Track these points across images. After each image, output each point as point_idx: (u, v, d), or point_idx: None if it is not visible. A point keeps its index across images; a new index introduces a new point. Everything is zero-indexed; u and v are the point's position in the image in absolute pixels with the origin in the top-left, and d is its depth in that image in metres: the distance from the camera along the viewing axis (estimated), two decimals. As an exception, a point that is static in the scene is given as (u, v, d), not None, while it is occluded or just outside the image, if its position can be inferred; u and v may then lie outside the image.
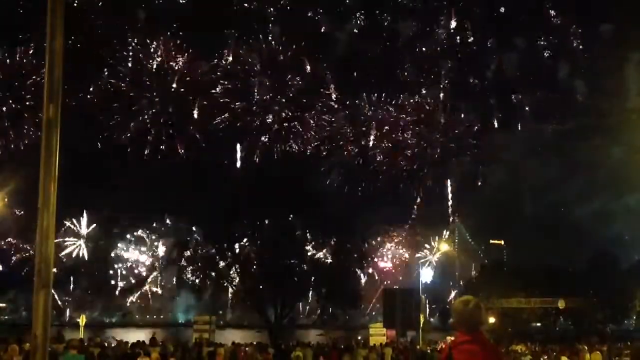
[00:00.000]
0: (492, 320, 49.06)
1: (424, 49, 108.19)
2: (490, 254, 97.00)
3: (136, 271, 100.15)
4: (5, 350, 18.03)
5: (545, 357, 29.06)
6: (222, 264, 43.98)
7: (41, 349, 3.55)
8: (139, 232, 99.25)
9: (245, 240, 43.77)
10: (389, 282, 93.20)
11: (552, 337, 55.48)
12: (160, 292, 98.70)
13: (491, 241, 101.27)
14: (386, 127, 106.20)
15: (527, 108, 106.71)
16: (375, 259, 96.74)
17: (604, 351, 30.79)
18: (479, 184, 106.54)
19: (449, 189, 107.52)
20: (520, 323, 59.55)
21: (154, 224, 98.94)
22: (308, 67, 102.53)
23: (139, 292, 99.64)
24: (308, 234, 44.46)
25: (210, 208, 46.73)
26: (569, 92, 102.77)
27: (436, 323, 71.60)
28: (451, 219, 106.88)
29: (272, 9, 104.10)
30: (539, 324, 60.24)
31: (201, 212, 49.74)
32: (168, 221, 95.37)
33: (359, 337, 49.69)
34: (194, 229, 54.08)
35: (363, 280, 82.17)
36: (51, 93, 3.81)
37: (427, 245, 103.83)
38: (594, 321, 57.67)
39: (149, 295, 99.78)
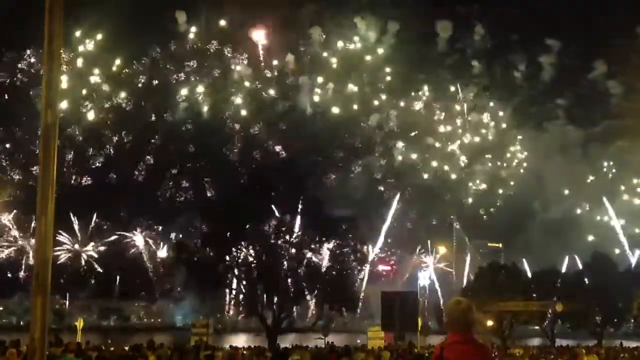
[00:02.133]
0: (490, 323, 48.86)
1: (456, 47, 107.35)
2: (488, 256, 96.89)
3: (138, 275, 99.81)
4: (4, 353, 17.91)
5: (543, 360, 29.02)
6: (221, 267, 43.80)
7: (39, 352, 3.54)
8: (141, 235, 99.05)
9: (243, 243, 43.60)
10: (387, 285, 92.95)
11: (550, 341, 55.39)
12: (160, 295, 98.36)
13: (489, 244, 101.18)
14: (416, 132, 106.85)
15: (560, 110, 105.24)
16: (375, 262, 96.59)
17: (602, 354, 30.74)
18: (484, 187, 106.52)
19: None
20: (518, 326, 59.38)
21: (155, 227, 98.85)
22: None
23: (139, 295, 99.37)
24: (307, 237, 44.27)
25: (209, 211, 46.50)
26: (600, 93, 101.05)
27: (435, 326, 71.36)
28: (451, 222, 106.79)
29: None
30: (537, 327, 60.14)
31: (200, 214, 49.50)
32: (167, 224, 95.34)
33: (358, 341, 49.60)
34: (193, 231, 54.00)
35: (362, 283, 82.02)
36: (49, 98, 3.73)
37: (425, 249, 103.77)
38: (591, 324, 57.55)
39: (152, 299, 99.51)
